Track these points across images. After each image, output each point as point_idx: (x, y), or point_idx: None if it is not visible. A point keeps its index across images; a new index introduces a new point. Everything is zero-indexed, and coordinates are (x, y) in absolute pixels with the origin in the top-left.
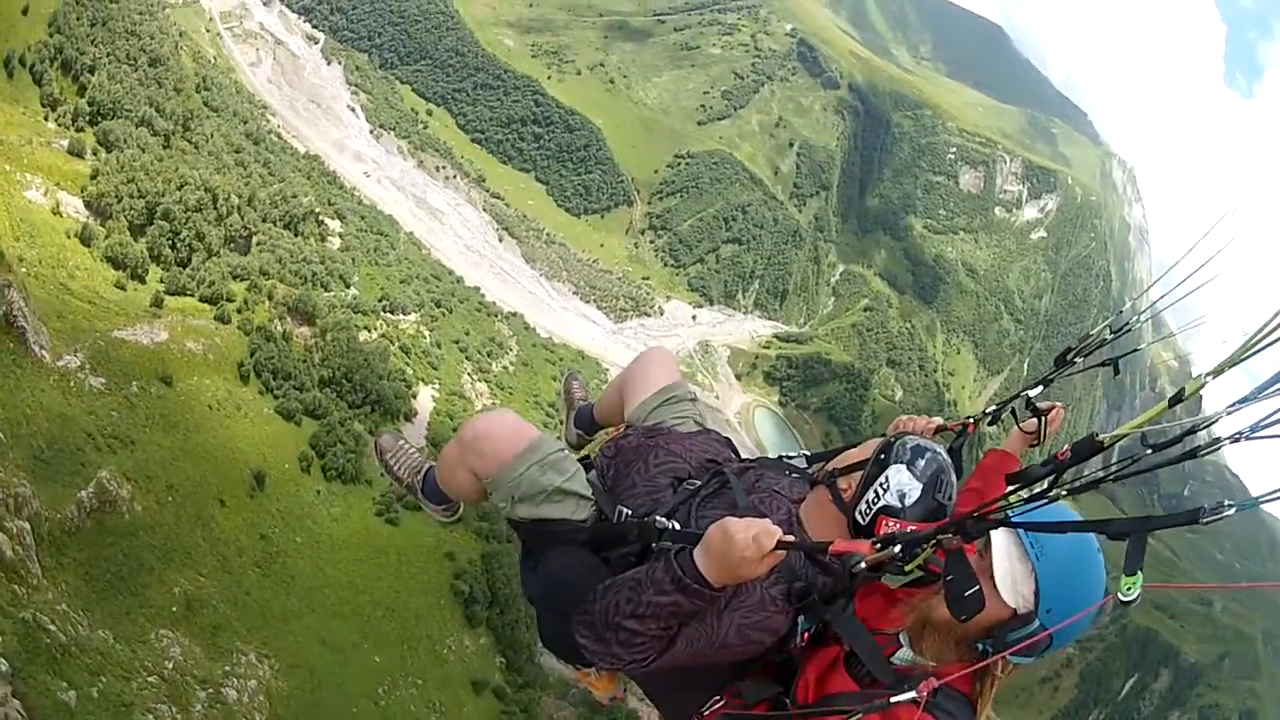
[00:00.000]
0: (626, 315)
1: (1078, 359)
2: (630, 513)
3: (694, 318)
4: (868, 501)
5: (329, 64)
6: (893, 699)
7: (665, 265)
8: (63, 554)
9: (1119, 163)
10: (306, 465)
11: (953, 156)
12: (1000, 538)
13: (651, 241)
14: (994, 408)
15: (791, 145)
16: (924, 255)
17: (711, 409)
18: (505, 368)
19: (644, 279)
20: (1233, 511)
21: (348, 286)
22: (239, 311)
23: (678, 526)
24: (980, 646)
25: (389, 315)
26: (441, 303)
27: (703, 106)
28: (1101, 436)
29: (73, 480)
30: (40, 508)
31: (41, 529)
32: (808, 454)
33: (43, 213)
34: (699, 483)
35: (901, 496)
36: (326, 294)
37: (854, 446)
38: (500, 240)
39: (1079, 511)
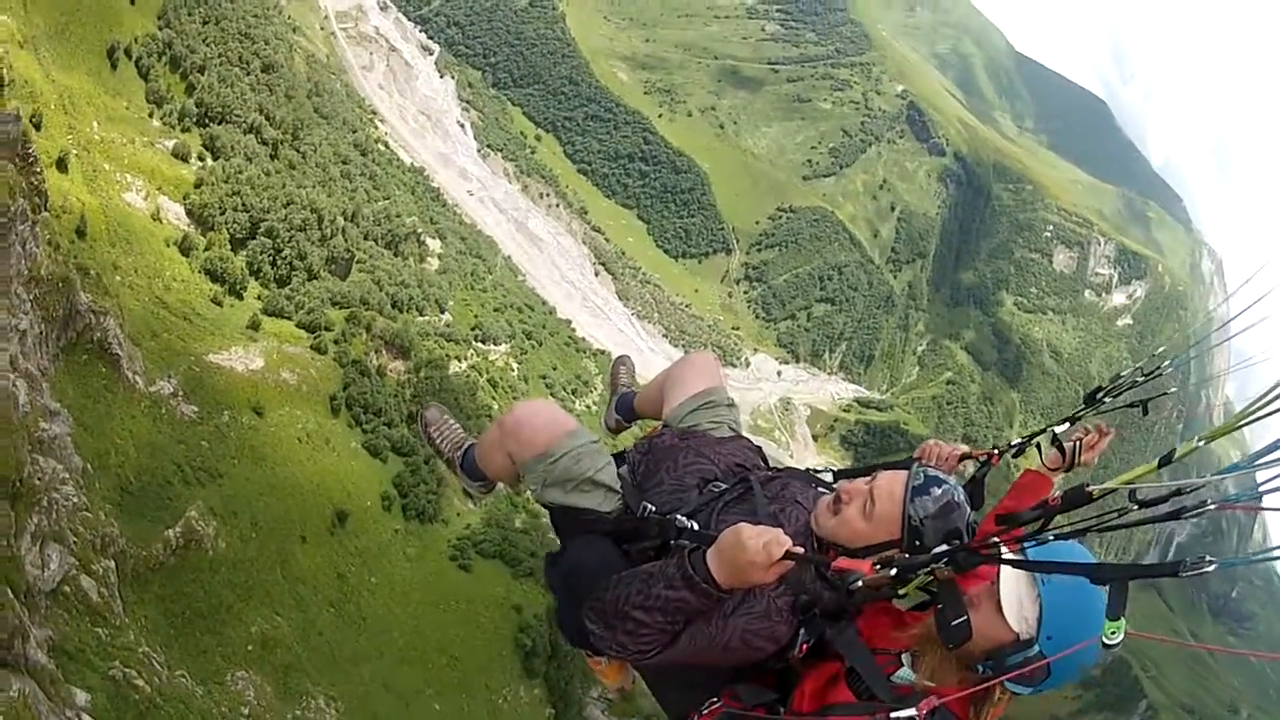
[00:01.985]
0: None
1: (1106, 399)
2: (654, 509)
3: (779, 373)
4: None
5: (441, 77)
6: (891, 715)
7: (757, 317)
8: (144, 589)
9: (1209, 253)
10: (388, 504)
11: (1049, 234)
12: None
13: (745, 292)
14: (1019, 440)
15: (893, 209)
16: (1011, 333)
17: None
18: (588, 407)
19: (734, 329)
20: (1213, 568)
21: (442, 312)
22: (336, 343)
23: (697, 527)
24: (980, 669)
25: (480, 345)
26: (532, 334)
27: (809, 161)
28: (1091, 488)
29: (159, 515)
30: (126, 545)
31: (126, 566)
32: (834, 470)
33: (142, 218)
34: (724, 486)
35: None
36: (421, 318)
37: (883, 467)
38: (596, 274)
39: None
